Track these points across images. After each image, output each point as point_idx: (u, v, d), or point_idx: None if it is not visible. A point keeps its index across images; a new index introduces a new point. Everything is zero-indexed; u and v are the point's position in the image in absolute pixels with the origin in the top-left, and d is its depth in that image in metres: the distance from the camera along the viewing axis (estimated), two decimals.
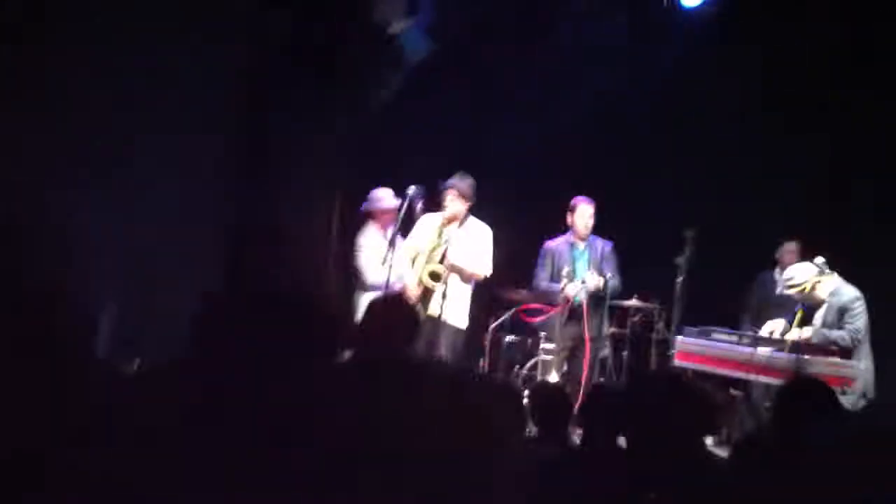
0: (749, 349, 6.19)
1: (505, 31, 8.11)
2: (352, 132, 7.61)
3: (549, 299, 7.27)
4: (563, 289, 7.06)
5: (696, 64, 8.06)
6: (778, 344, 6.19)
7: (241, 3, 6.91)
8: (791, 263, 7.03)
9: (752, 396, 6.74)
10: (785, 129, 7.92)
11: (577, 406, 4.61)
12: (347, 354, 3.24)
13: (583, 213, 7.30)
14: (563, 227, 7.43)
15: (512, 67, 8.19)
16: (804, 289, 6.25)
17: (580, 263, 7.31)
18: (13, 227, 5.23)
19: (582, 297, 7.08)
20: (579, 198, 7.37)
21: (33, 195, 5.45)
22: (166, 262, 6.19)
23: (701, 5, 7.75)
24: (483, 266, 6.94)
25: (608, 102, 8.22)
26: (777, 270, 7.69)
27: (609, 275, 7.18)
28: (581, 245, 7.37)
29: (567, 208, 7.38)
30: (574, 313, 7.11)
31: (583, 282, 7.10)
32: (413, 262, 6.93)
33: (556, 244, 7.39)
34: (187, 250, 6.31)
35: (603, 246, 7.34)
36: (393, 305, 4.04)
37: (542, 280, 7.33)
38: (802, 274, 6.29)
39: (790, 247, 7.73)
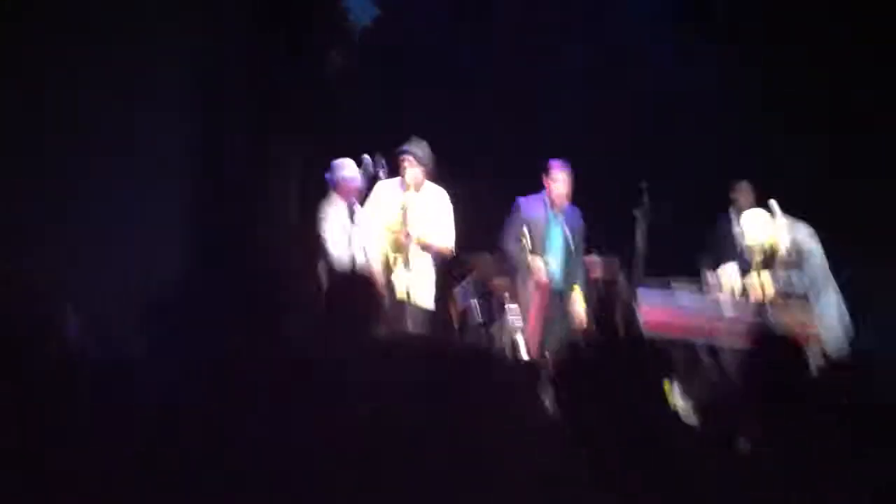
0: (712, 304, 6.26)
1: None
2: (307, 100, 7.54)
3: (513, 266, 7.09)
4: (530, 269, 6.91)
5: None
6: (740, 293, 6.28)
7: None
8: (746, 205, 7.16)
9: (719, 355, 6.84)
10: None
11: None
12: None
13: (557, 179, 7.01)
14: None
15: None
16: (764, 244, 6.34)
17: (554, 233, 7.09)
18: None
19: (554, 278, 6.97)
20: (554, 161, 7.06)
21: None
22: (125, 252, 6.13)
23: None
24: (447, 238, 6.91)
25: (571, 51, 8.24)
26: (732, 211, 7.75)
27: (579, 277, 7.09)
28: (556, 212, 7.10)
29: (541, 169, 7.10)
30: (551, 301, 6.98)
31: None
32: (372, 236, 6.84)
33: (531, 207, 7.08)
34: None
35: (573, 216, 7.12)
36: (356, 286, 4.01)
37: (511, 244, 7.06)
38: (760, 229, 6.37)
39: (741, 186, 7.76)
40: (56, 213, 6.04)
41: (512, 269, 7.06)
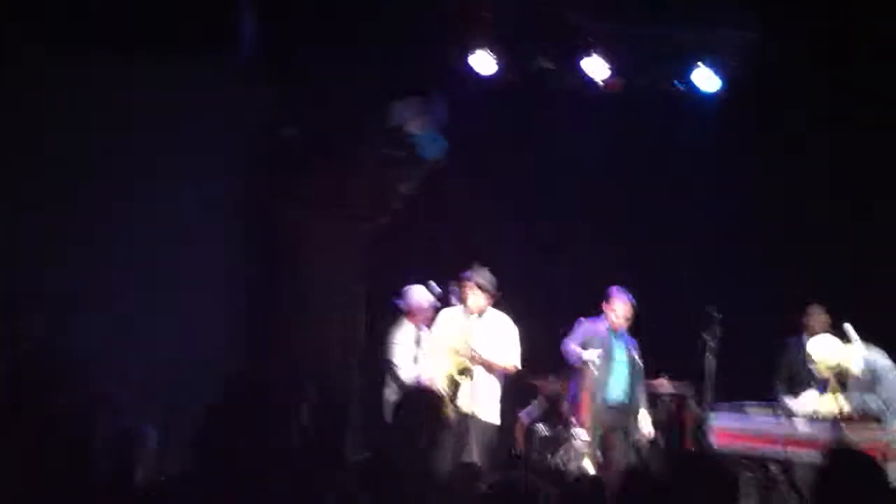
0: (786, 424, 6.13)
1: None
2: (370, 227, 7.73)
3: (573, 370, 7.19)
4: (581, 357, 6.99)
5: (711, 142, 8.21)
6: (815, 418, 6.14)
7: (256, 110, 7.09)
8: (818, 329, 7.12)
9: (793, 473, 6.65)
10: (806, 196, 8.02)
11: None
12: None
13: (616, 307, 7.18)
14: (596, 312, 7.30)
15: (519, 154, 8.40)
16: (835, 369, 6.23)
17: (616, 351, 7.22)
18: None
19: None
20: (614, 288, 7.23)
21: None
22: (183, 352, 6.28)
23: (719, 91, 7.85)
24: (511, 358, 6.91)
25: (627, 183, 8.36)
26: (804, 335, 7.62)
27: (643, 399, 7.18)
28: (621, 335, 7.26)
29: (604, 296, 7.25)
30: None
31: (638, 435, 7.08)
32: (438, 358, 6.90)
33: (592, 323, 7.25)
34: (203, 344, 6.43)
35: (632, 341, 7.28)
36: (419, 403, 4.04)
37: (572, 347, 7.17)
38: (831, 353, 6.28)
39: (815, 311, 7.66)
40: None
41: (572, 372, 7.16)
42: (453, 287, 7.01)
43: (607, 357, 7.09)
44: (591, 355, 7.02)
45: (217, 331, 6.60)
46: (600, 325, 7.21)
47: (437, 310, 7.09)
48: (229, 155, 6.86)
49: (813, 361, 6.39)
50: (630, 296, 7.19)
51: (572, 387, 7.23)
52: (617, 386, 7.17)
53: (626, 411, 7.15)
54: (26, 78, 6.39)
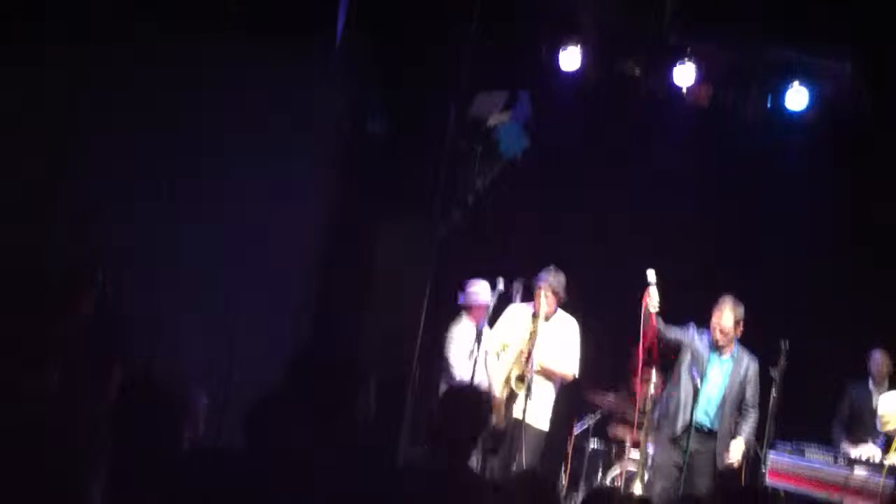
0: (844, 471, 5.98)
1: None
2: (446, 223, 7.71)
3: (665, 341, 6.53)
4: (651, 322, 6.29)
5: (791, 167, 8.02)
6: (875, 467, 5.98)
7: (340, 102, 7.10)
8: (880, 373, 7.11)
9: None
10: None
11: None
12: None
13: (720, 315, 6.45)
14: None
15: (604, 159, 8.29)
16: None
17: (716, 373, 6.52)
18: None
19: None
20: (725, 296, 6.51)
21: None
22: (250, 335, 6.29)
23: (805, 110, 7.65)
24: (570, 365, 6.84)
25: (704, 198, 8.19)
26: (870, 381, 7.50)
27: (745, 430, 6.48)
28: (725, 354, 6.55)
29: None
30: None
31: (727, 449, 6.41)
32: (498, 356, 6.89)
33: (699, 335, 6.55)
34: (272, 329, 6.44)
35: (748, 366, 6.54)
36: (467, 399, 4.01)
37: (675, 332, 6.57)
38: None
39: (878, 356, 7.52)
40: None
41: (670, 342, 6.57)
42: (518, 285, 6.94)
43: (700, 376, 6.39)
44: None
45: (284, 313, 6.64)
46: (704, 341, 6.54)
47: (500, 305, 7.00)
48: (312, 143, 6.89)
49: (880, 416, 6.24)
50: (738, 306, 6.47)
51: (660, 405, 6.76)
52: (701, 409, 6.44)
53: (710, 437, 6.51)
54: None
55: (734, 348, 6.57)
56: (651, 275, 6.34)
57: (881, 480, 5.85)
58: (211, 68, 6.48)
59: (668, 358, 6.80)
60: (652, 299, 6.29)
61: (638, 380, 6.61)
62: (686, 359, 6.51)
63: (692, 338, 6.54)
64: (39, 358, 4.91)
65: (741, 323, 6.50)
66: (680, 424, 6.43)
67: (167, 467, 2.92)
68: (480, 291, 7.12)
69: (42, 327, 5.16)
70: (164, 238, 6.24)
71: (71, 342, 5.28)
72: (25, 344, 4.95)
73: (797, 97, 7.52)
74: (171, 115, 6.36)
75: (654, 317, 6.32)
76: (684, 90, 7.57)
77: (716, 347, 6.51)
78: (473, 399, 4.02)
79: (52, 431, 2.67)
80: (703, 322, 6.63)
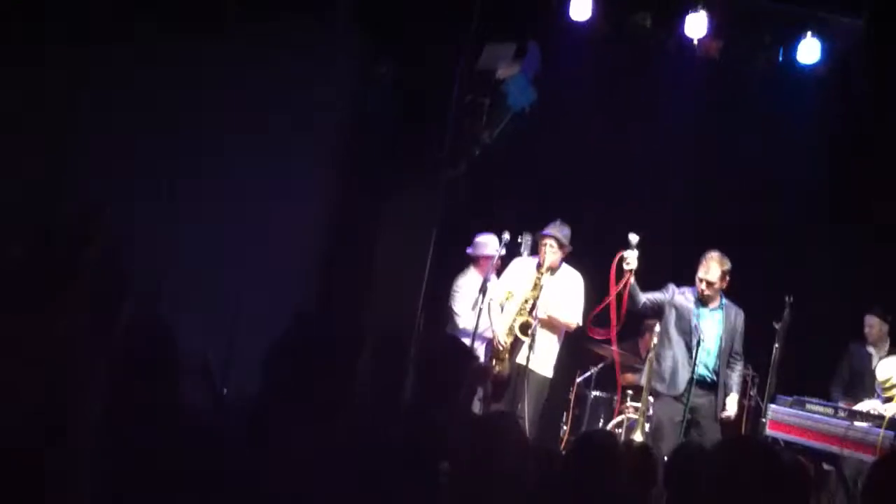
0: (844, 423, 6.00)
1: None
2: (452, 173, 7.69)
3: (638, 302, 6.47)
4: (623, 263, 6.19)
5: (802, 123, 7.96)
6: (874, 420, 5.99)
7: (348, 46, 7.09)
8: (874, 336, 7.31)
9: (844, 472, 6.50)
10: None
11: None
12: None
13: (701, 275, 6.45)
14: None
15: (613, 116, 8.23)
16: None
17: (709, 325, 6.50)
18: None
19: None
20: (708, 253, 6.51)
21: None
22: (258, 280, 6.36)
23: (817, 64, 7.58)
24: (573, 315, 6.87)
25: (712, 150, 8.14)
26: (869, 344, 7.56)
27: (735, 382, 6.50)
28: (712, 305, 6.55)
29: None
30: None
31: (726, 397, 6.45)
32: (503, 308, 6.92)
33: (680, 292, 6.56)
34: (281, 270, 6.55)
35: (736, 316, 6.56)
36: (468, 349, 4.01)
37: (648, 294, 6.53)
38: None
39: (870, 320, 7.58)
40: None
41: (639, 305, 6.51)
42: (525, 238, 6.97)
43: (690, 332, 6.42)
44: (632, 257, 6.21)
45: (292, 263, 6.72)
46: (688, 296, 6.56)
47: (504, 259, 7.04)
48: (320, 94, 6.89)
49: (880, 381, 6.31)
50: (724, 258, 6.48)
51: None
52: (701, 363, 6.42)
53: (711, 389, 6.52)
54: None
55: (720, 300, 6.59)
56: (633, 238, 6.30)
57: (881, 433, 5.85)
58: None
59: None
60: (630, 260, 6.25)
61: (613, 337, 6.67)
62: (671, 317, 6.52)
63: (672, 295, 6.55)
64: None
65: (727, 275, 6.50)
66: (681, 381, 6.43)
67: (166, 416, 2.93)
68: (488, 243, 7.21)
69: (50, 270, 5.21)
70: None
71: (79, 283, 5.30)
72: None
73: (809, 50, 7.45)
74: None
75: (629, 275, 6.29)
76: (695, 42, 7.50)
77: (702, 301, 6.52)
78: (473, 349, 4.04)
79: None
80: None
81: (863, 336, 7.65)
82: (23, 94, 6.04)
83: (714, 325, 6.54)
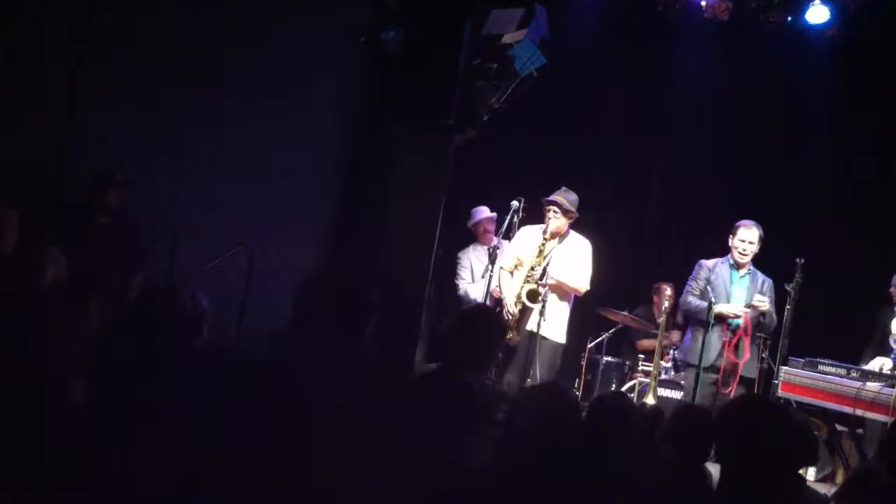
0: (857, 384, 5.97)
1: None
2: (461, 139, 7.66)
3: (696, 317, 6.65)
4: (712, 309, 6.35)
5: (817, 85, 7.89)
6: (888, 380, 5.97)
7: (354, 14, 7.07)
8: None
9: (858, 433, 6.50)
10: None
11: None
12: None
13: (742, 237, 6.63)
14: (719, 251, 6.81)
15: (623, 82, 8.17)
16: None
17: (738, 289, 6.68)
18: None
19: (739, 322, 6.50)
20: (743, 220, 6.68)
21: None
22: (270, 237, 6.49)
23: (826, 24, 7.50)
24: (582, 281, 6.84)
25: (725, 113, 8.07)
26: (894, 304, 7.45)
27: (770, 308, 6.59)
28: (742, 271, 6.71)
29: (728, 230, 6.74)
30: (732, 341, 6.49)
31: (748, 306, 6.53)
32: (512, 273, 6.91)
33: (713, 263, 6.75)
34: (292, 233, 6.71)
35: (764, 280, 6.70)
36: (483, 319, 4.02)
37: (693, 295, 6.69)
38: None
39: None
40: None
41: (697, 323, 6.66)
42: (520, 203, 6.91)
43: (727, 298, 6.59)
44: (729, 309, 6.48)
45: (301, 224, 6.91)
46: (720, 266, 6.72)
47: (510, 227, 7.02)
48: (327, 57, 6.98)
49: (894, 333, 6.22)
50: (757, 227, 6.63)
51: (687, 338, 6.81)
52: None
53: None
54: None
55: (750, 266, 6.70)
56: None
57: (894, 392, 5.83)
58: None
59: None
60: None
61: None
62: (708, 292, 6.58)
63: (707, 271, 6.68)
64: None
65: (761, 241, 6.64)
66: (713, 351, 6.52)
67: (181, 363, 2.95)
68: (481, 209, 7.37)
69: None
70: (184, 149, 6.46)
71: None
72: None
73: (818, 11, 7.38)
74: (173, 50, 6.54)
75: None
76: (703, 3, 7.43)
77: (736, 265, 6.67)
78: (488, 316, 4.04)
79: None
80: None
81: (889, 297, 7.59)
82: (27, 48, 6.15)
83: (743, 290, 6.69)
